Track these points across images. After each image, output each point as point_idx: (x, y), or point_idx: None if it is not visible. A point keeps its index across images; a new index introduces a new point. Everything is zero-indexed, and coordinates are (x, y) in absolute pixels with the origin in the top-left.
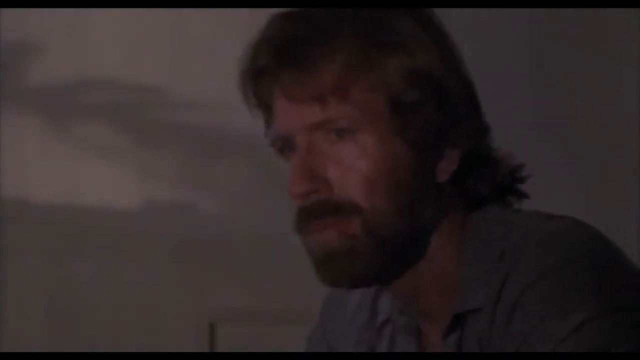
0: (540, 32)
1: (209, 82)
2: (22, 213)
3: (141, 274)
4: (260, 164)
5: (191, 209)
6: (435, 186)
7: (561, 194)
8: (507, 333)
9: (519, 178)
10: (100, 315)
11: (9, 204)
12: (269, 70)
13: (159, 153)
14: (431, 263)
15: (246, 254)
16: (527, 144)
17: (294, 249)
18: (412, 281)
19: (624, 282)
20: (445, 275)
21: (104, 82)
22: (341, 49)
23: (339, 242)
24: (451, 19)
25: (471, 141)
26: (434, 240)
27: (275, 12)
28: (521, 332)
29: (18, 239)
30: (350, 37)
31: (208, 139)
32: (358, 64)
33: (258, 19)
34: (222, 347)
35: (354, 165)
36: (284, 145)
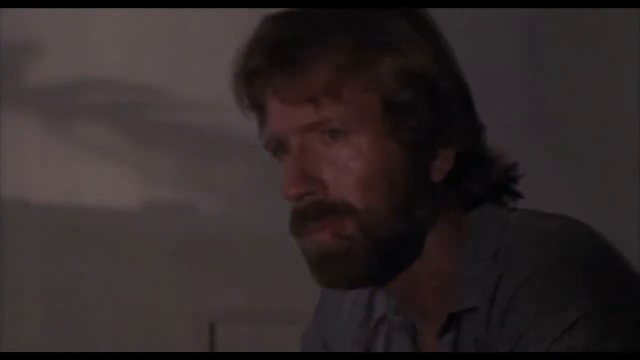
0: (540, 32)
1: (209, 82)
2: (22, 213)
3: (141, 274)
4: (260, 164)
5: (191, 209)
6: (430, 186)
7: (561, 194)
8: (502, 332)
9: (514, 177)
10: (100, 315)
11: (9, 204)
12: (262, 71)
13: (159, 153)
14: (426, 263)
15: (246, 254)
16: (528, 144)
17: (294, 249)
18: (407, 281)
19: (618, 279)
20: (440, 274)
21: (104, 82)
22: (334, 49)
23: (334, 243)
24: (450, 19)
25: (465, 140)
26: (429, 240)
27: (267, 14)
28: (516, 331)
29: (18, 239)
30: (342, 38)
31: (208, 139)
32: (351, 65)
33: (258, 19)
34: (222, 347)
35: (348, 166)
36: (278, 147)
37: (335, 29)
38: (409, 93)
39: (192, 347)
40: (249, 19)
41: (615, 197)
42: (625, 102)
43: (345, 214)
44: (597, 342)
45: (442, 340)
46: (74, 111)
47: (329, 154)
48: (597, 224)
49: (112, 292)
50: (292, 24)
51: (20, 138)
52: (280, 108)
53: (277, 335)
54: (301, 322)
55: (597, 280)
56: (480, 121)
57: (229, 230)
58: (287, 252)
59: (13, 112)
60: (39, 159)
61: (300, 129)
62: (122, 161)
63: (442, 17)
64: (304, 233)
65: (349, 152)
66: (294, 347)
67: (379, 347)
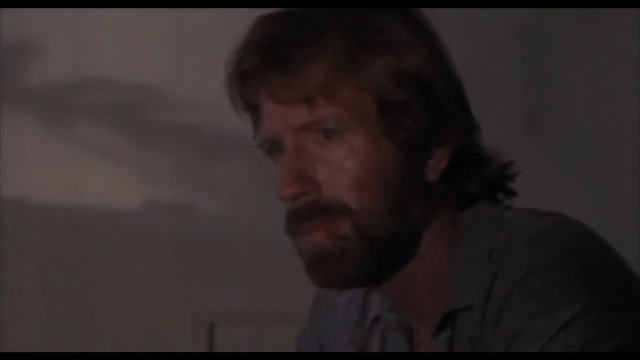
0: (540, 32)
1: (209, 82)
2: (22, 213)
3: (141, 274)
4: (260, 164)
5: (191, 209)
6: (425, 185)
7: (561, 194)
8: (497, 331)
9: (509, 175)
10: (100, 315)
11: (9, 204)
12: (256, 72)
13: (159, 153)
14: (422, 262)
15: (246, 254)
16: (528, 144)
17: (294, 249)
18: (403, 281)
19: (614, 278)
20: (436, 274)
21: (104, 82)
22: (328, 49)
23: (329, 243)
24: (449, 18)
25: (460, 139)
26: (425, 239)
27: (260, 14)
28: (511, 330)
29: (18, 239)
30: (336, 38)
31: (208, 139)
32: (345, 65)
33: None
34: (221, 347)
35: (342, 166)
36: (272, 147)
37: (329, 29)
38: (404, 93)
39: (192, 347)
40: (249, 19)
41: (615, 197)
42: (625, 102)
43: (340, 213)
44: (593, 341)
45: (437, 340)
46: (74, 111)
47: (323, 154)
48: (597, 224)
49: (112, 292)
50: (286, 24)
51: (20, 138)
52: (275, 108)
53: (277, 335)
54: (301, 322)
55: (592, 279)
56: (475, 120)
57: (229, 230)
58: (287, 252)
59: (13, 112)
60: (39, 159)
61: (294, 129)
62: (122, 161)
63: (442, 17)
64: (299, 233)
65: (343, 152)
66: (294, 347)
67: (374, 347)
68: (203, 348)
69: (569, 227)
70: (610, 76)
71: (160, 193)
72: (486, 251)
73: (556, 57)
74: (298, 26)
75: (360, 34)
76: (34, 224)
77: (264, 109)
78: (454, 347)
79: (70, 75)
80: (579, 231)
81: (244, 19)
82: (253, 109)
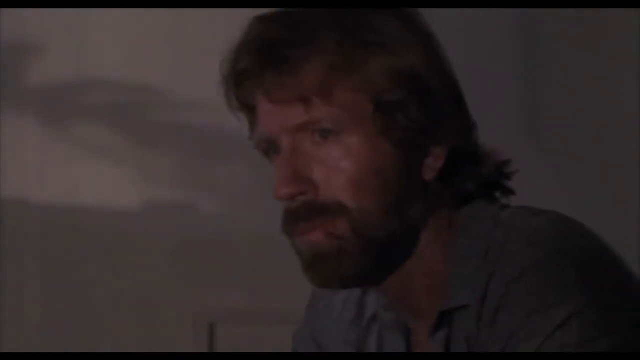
0: (540, 32)
1: (209, 82)
2: (22, 213)
3: (141, 274)
4: (260, 164)
5: (191, 209)
6: (422, 184)
7: (561, 194)
8: (493, 330)
9: (506, 174)
10: (100, 315)
11: (9, 204)
12: (252, 72)
13: (159, 153)
14: (419, 261)
15: (246, 254)
16: (527, 144)
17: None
18: (400, 280)
19: (609, 276)
20: (433, 273)
21: (104, 82)
22: (323, 49)
23: (326, 243)
24: (449, 18)
25: (457, 138)
26: (422, 238)
27: (256, 14)
28: (507, 330)
29: (18, 239)
30: (332, 38)
31: (208, 139)
32: (341, 64)
33: None
34: (221, 347)
35: (339, 166)
36: (269, 147)
37: (325, 29)
38: (400, 92)
39: (192, 347)
40: (249, 19)
41: (615, 197)
42: (625, 102)
43: (336, 213)
44: (589, 339)
45: (434, 338)
46: (74, 111)
47: (320, 153)
48: (597, 224)
49: (112, 292)
50: (282, 24)
51: (20, 138)
52: (271, 108)
53: (277, 335)
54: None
55: (588, 277)
56: (471, 119)
57: (229, 230)
58: (287, 252)
59: (13, 112)
60: (39, 159)
61: (290, 129)
62: (122, 161)
63: (442, 17)
64: (296, 233)
65: (340, 152)
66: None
67: (371, 346)
68: (203, 348)
69: (564, 225)
70: (610, 76)
71: (160, 193)
72: (482, 250)
73: (556, 57)
74: (294, 26)
75: (356, 33)
76: (34, 224)
77: (260, 109)
78: (451, 346)
79: (70, 75)
80: (575, 229)
81: (244, 19)
82: (249, 109)
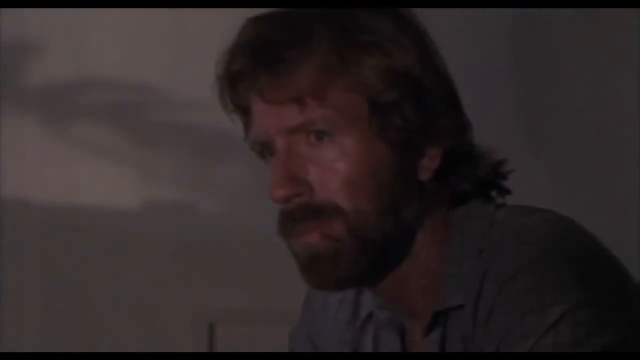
0: (539, 32)
1: (209, 82)
2: (22, 213)
3: (141, 274)
4: (260, 164)
5: (191, 209)
6: (418, 184)
7: (561, 195)
8: (488, 330)
9: (502, 173)
10: (100, 315)
11: (9, 204)
12: (246, 73)
13: (159, 153)
14: (415, 262)
15: (246, 254)
16: (527, 144)
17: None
18: (396, 281)
19: (603, 275)
20: (429, 273)
21: (104, 82)
22: (318, 50)
23: (322, 244)
24: (448, 18)
25: (452, 138)
26: (418, 239)
27: (249, 16)
28: (502, 329)
29: (18, 239)
30: (326, 38)
31: (208, 139)
32: (335, 65)
33: None
34: (221, 347)
35: (334, 167)
36: (264, 149)
37: (319, 30)
38: (395, 93)
39: (191, 347)
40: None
41: (615, 197)
42: (625, 102)
43: (332, 215)
44: (583, 338)
45: (428, 338)
46: (74, 111)
47: (315, 155)
48: (597, 224)
49: (111, 292)
50: (276, 24)
51: (20, 138)
52: (266, 109)
53: (277, 335)
54: None
55: (583, 276)
56: (466, 119)
57: (229, 230)
58: (287, 253)
59: (13, 112)
60: (39, 159)
61: (285, 131)
62: (122, 161)
63: (441, 17)
64: (292, 235)
65: (335, 153)
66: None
67: (367, 346)
68: (203, 348)
69: (559, 224)
70: (610, 76)
71: (160, 193)
72: (477, 250)
73: (556, 57)
74: (288, 27)
75: (350, 34)
76: (34, 224)
77: (255, 110)
78: (446, 346)
79: (70, 75)
80: (569, 228)
81: (243, 19)
82: (243, 110)
